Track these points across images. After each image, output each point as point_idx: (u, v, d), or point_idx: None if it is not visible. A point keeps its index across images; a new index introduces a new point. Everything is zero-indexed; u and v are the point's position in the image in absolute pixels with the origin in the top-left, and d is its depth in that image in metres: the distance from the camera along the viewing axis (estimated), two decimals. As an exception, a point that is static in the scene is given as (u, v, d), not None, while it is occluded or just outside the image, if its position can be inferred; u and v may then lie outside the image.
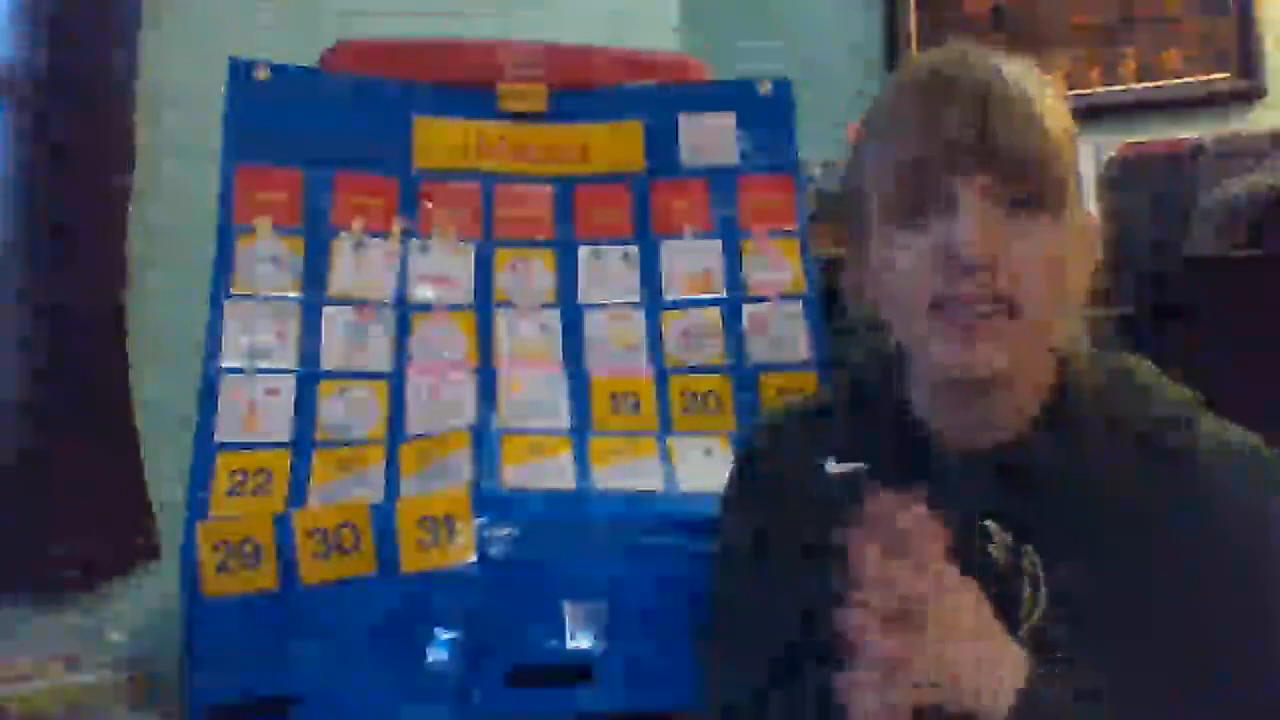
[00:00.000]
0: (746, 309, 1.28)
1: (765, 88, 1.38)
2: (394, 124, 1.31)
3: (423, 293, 1.26)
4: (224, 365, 1.16)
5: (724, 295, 1.29)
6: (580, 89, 1.37)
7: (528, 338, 1.26)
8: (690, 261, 1.31)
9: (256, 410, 1.15)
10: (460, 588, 1.04)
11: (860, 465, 0.88)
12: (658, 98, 1.38)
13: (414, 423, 1.18)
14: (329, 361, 1.20)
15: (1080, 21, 2.18)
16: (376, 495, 1.10)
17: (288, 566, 1.03)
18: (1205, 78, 2.09)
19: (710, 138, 1.36)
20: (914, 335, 0.81)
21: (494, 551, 1.05)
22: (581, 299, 1.29)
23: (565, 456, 1.15)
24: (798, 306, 1.28)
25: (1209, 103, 2.07)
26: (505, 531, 1.06)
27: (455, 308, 1.26)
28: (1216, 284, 1.39)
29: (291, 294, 1.21)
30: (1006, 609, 0.79)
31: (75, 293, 1.61)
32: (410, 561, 1.05)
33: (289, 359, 1.19)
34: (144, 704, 1.46)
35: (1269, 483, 0.79)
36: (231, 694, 1.02)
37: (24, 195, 1.60)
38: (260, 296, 1.20)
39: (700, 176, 1.34)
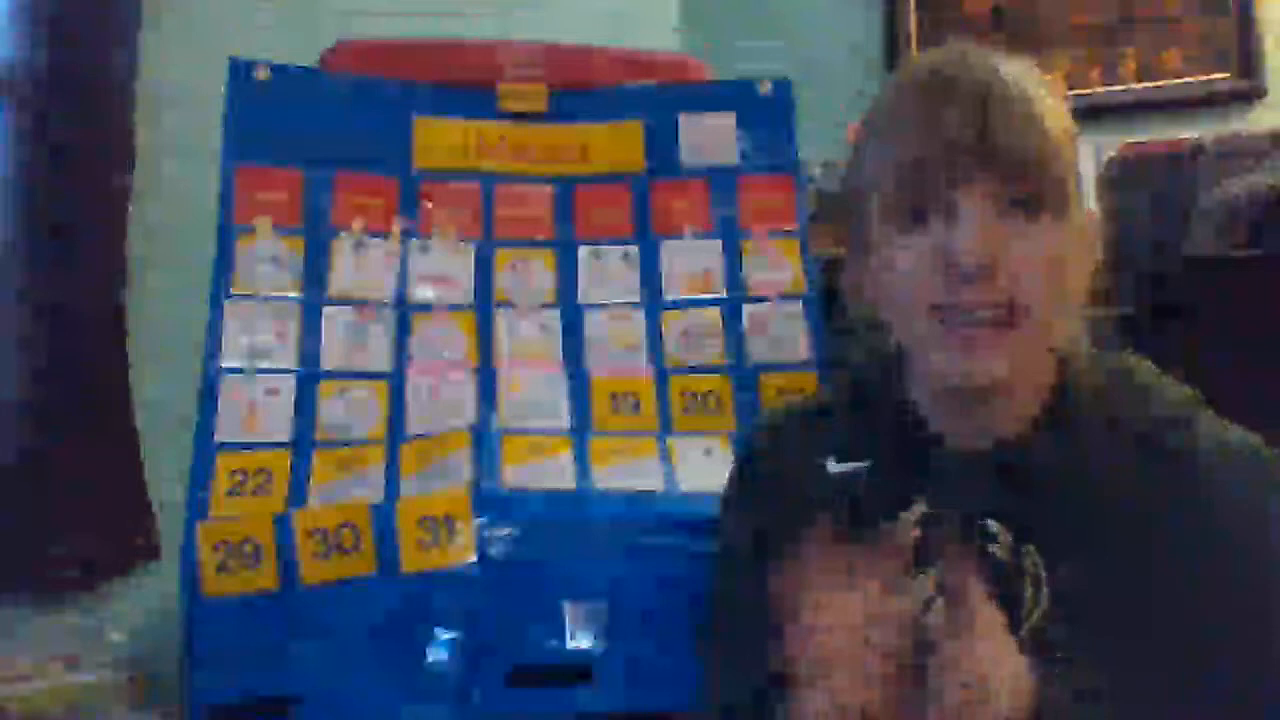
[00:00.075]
0: (746, 309, 1.28)
1: (765, 88, 1.38)
2: (394, 124, 1.31)
3: (423, 293, 1.26)
4: (224, 365, 1.16)
5: (724, 295, 1.29)
6: (580, 89, 1.37)
7: (528, 338, 1.26)
8: (690, 261, 1.31)
9: (256, 410, 1.15)
10: (460, 588, 1.04)
11: (861, 465, 0.88)
12: (658, 98, 1.37)
13: (414, 423, 1.17)
14: (329, 361, 1.20)
15: (1080, 21, 2.18)
16: (376, 495, 1.10)
17: (288, 566, 1.03)
18: (1205, 78, 2.09)
19: (710, 138, 1.36)
20: (914, 338, 0.82)
21: (494, 551, 1.05)
22: (581, 299, 1.29)
23: (565, 456, 1.15)
24: (798, 306, 1.28)
25: (1209, 103, 2.08)
26: (505, 531, 1.06)
27: (455, 308, 1.26)
28: (1216, 284, 1.39)
29: (291, 294, 1.21)
30: (1008, 609, 0.79)
31: (75, 293, 1.61)
32: (410, 561, 1.05)
33: (289, 359, 1.19)
34: (144, 704, 1.46)
35: (1269, 483, 0.79)
36: (231, 694, 1.02)
37: (24, 195, 1.60)
38: (260, 296, 1.20)
39: (700, 176, 1.34)
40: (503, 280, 1.28)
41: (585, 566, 1.06)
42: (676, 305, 1.29)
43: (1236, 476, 0.79)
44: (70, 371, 1.59)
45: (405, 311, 1.24)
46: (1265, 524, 0.77)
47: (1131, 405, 0.83)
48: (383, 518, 1.06)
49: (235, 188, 1.23)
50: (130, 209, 1.65)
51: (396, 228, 1.28)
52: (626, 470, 1.15)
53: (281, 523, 1.04)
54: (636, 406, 1.22)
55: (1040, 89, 0.79)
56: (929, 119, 0.78)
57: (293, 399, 1.17)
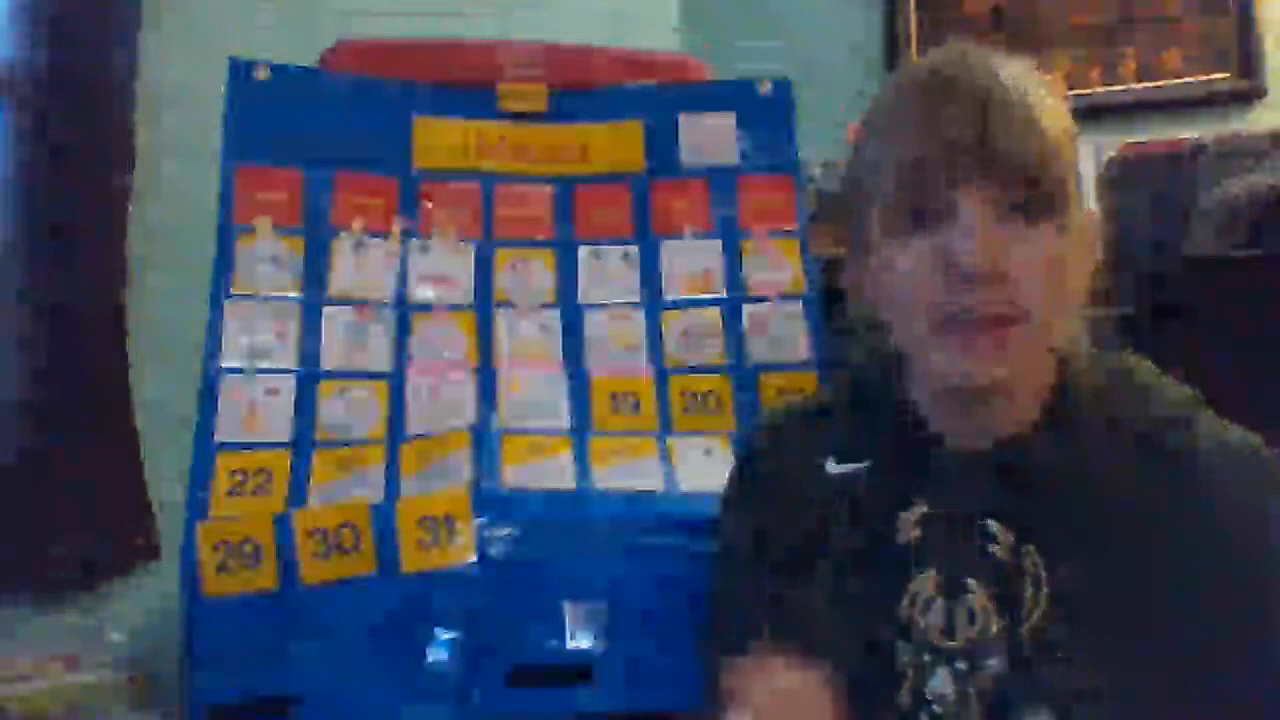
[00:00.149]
0: (746, 309, 1.28)
1: (765, 88, 1.38)
2: (394, 124, 1.31)
3: (423, 293, 1.26)
4: (224, 365, 1.16)
5: (724, 295, 1.29)
6: (580, 89, 1.37)
7: (528, 338, 1.26)
8: (690, 261, 1.31)
9: (256, 410, 1.15)
10: (460, 588, 1.04)
11: (860, 465, 0.88)
12: (658, 98, 1.37)
13: (414, 423, 1.17)
14: (329, 361, 1.20)
15: (1080, 21, 2.18)
16: (376, 495, 1.10)
17: (288, 566, 1.03)
18: (1205, 78, 2.09)
19: (710, 138, 1.36)
20: (914, 340, 0.82)
21: (494, 551, 1.05)
22: (581, 299, 1.29)
23: (565, 456, 1.15)
24: (798, 306, 1.28)
25: (1209, 103, 2.08)
26: (505, 531, 1.06)
27: (455, 308, 1.26)
28: (1216, 284, 1.39)
29: (291, 294, 1.21)
30: (1008, 609, 0.79)
31: (75, 293, 1.61)
32: (410, 561, 1.05)
33: (289, 359, 1.19)
34: (144, 704, 1.46)
35: (1269, 483, 0.79)
36: (231, 694, 1.02)
37: (24, 195, 1.60)
38: (260, 296, 1.20)
39: (700, 176, 1.34)
40: (503, 280, 1.28)
41: (585, 566, 1.06)
42: (676, 305, 1.29)
43: (1236, 476, 0.79)
44: (70, 371, 1.59)
45: (405, 311, 1.24)
46: (1265, 524, 0.77)
47: (1131, 405, 0.83)
48: (383, 518, 1.06)
49: (235, 188, 1.23)
50: (130, 209, 1.65)
51: (396, 228, 1.28)
52: (626, 470, 1.15)
53: (281, 523, 1.04)
54: (636, 406, 1.22)
55: (1040, 90, 0.79)
56: (929, 119, 0.78)
57: (293, 399, 1.17)
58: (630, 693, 1.05)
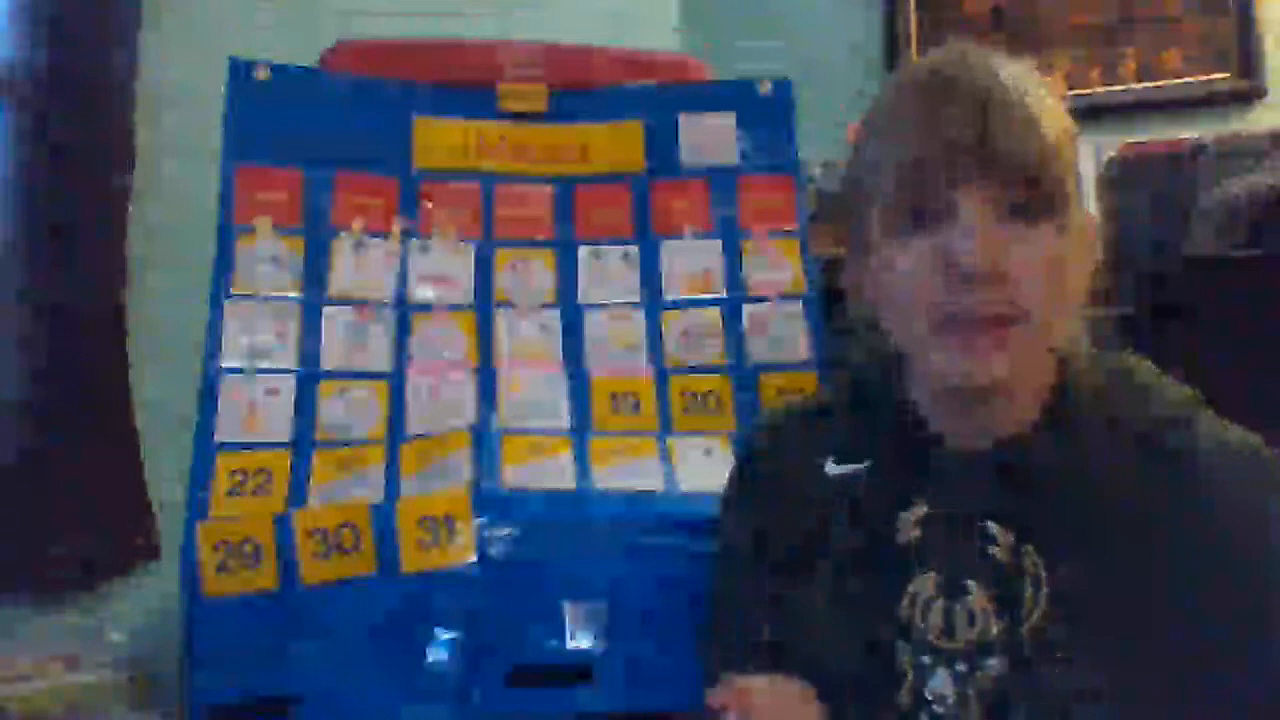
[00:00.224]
0: (746, 309, 1.28)
1: (765, 88, 1.38)
2: (394, 124, 1.31)
3: (423, 293, 1.26)
4: (224, 365, 1.16)
5: (724, 295, 1.29)
6: (580, 89, 1.37)
7: (528, 338, 1.26)
8: (690, 261, 1.31)
9: (256, 410, 1.15)
10: (460, 588, 1.04)
11: (860, 465, 0.88)
12: (658, 98, 1.37)
13: (414, 423, 1.17)
14: (329, 361, 1.20)
15: (1080, 21, 2.18)
16: (376, 495, 1.10)
17: (288, 566, 1.03)
18: (1205, 78, 2.09)
19: (710, 138, 1.35)
20: (914, 340, 0.82)
21: (494, 551, 1.05)
22: (581, 299, 1.29)
23: (565, 456, 1.15)
24: (798, 306, 1.28)
25: (1209, 103, 2.08)
26: (505, 531, 1.06)
27: (455, 308, 1.26)
28: (1216, 284, 1.39)
29: (291, 294, 1.21)
30: (1007, 609, 0.79)
31: (75, 293, 1.61)
32: (410, 561, 1.05)
33: (289, 359, 1.19)
34: (144, 704, 1.46)
35: (1269, 483, 0.79)
36: (231, 694, 1.02)
37: (24, 195, 1.60)
38: (260, 296, 1.20)
39: (700, 176, 1.34)
40: (503, 280, 1.28)
41: (585, 566, 1.06)
42: (676, 305, 1.29)
43: (1236, 476, 0.79)
44: (70, 371, 1.59)
45: (405, 311, 1.24)
46: (1265, 524, 0.77)
47: (1131, 405, 0.83)
48: (383, 518, 1.06)
49: (235, 188, 1.23)
50: (130, 209, 1.65)
51: (396, 228, 1.28)
52: (626, 470, 1.14)
53: (281, 523, 1.04)
54: (636, 406, 1.22)
55: (1040, 91, 0.79)
56: (929, 119, 0.78)
57: (293, 399, 1.17)
58: (630, 693, 1.05)
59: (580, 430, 1.19)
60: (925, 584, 0.82)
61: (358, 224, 1.26)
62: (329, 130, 1.28)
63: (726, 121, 1.36)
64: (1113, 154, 1.60)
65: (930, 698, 0.81)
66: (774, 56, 2.04)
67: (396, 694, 1.02)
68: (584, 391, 1.22)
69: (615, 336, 1.27)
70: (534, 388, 1.22)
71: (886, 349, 0.86)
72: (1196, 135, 1.55)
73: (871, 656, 0.82)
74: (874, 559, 0.84)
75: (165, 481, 1.58)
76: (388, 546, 1.05)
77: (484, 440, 1.14)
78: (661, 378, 1.24)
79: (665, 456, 1.17)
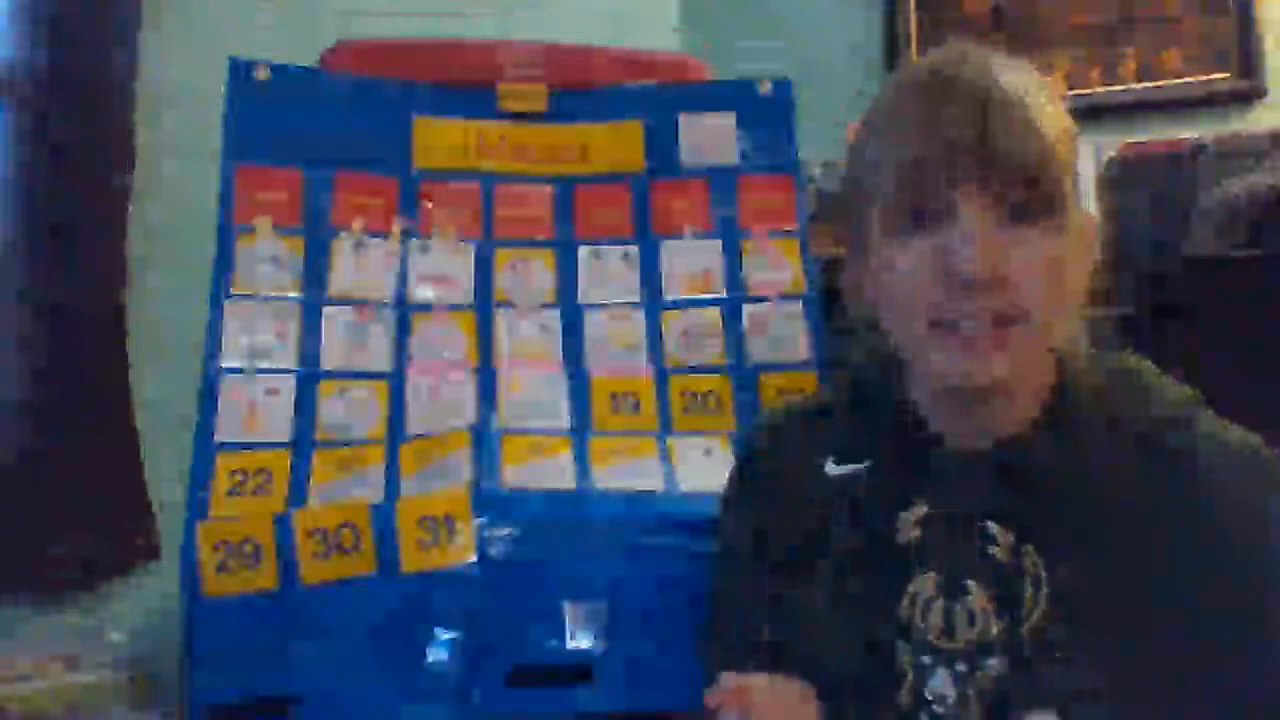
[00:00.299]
0: (746, 309, 1.28)
1: (765, 88, 1.38)
2: (394, 124, 1.31)
3: (423, 293, 1.26)
4: (224, 365, 1.16)
5: (724, 295, 1.29)
6: (580, 89, 1.37)
7: (528, 338, 1.26)
8: (690, 261, 1.31)
9: (256, 410, 1.15)
10: (460, 588, 1.04)
11: (860, 466, 0.88)
12: (658, 98, 1.37)
13: (414, 423, 1.17)
14: (329, 361, 1.20)
15: (1080, 21, 2.18)
16: (376, 495, 1.10)
17: (288, 566, 1.03)
18: (1205, 78, 2.09)
19: (710, 138, 1.36)
20: (914, 340, 0.82)
21: (494, 551, 1.05)
22: (581, 299, 1.29)
23: (565, 456, 1.15)
24: (798, 306, 1.28)
25: (1209, 103, 2.08)
26: (505, 531, 1.06)
27: (455, 308, 1.26)
28: (1216, 284, 1.39)
29: (291, 294, 1.21)
30: (1007, 609, 0.79)
31: (75, 293, 1.61)
32: (410, 561, 1.05)
33: (289, 359, 1.19)
34: (144, 704, 1.46)
35: (1269, 483, 0.79)
36: (231, 694, 1.02)
37: (24, 195, 1.60)
38: (260, 296, 1.20)
39: (700, 176, 1.34)
40: (503, 280, 1.28)
41: (585, 566, 1.06)
42: (676, 305, 1.29)
43: (1236, 476, 0.79)
44: (70, 371, 1.59)
45: (405, 311, 1.24)
46: (1265, 524, 0.77)
47: (1131, 405, 0.83)
48: (383, 518, 1.06)
49: (235, 188, 1.23)
50: (130, 209, 1.65)
51: (396, 228, 1.28)
52: (626, 470, 1.14)
53: (281, 523, 1.04)
54: (636, 406, 1.22)
55: (1039, 92, 0.79)
56: (929, 119, 0.78)
57: (293, 399, 1.17)
58: (630, 693, 1.05)
59: (580, 430, 1.19)
60: (925, 584, 0.82)
61: (358, 224, 1.26)
62: (329, 130, 1.28)
63: (726, 121, 1.36)
64: (1113, 154, 1.60)
65: (930, 698, 0.81)
66: (774, 56, 2.04)
67: (396, 694, 1.02)
68: (584, 391, 1.22)
69: (615, 336, 1.27)
70: (534, 388, 1.22)
71: (886, 349, 0.86)
72: (1196, 135, 1.55)
73: (871, 656, 0.82)
74: (874, 559, 0.84)
75: (165, 481, 1.58)
76: (388, 546, 1.05)
77: (484, 440, 1.14)
78: (661, 378, 1.24)
79: (665, 456, 1.17)
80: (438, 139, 1.32)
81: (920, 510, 0.84)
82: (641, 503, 1.10)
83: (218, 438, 1.13)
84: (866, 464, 0.87)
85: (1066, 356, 0.85)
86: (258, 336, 1.18)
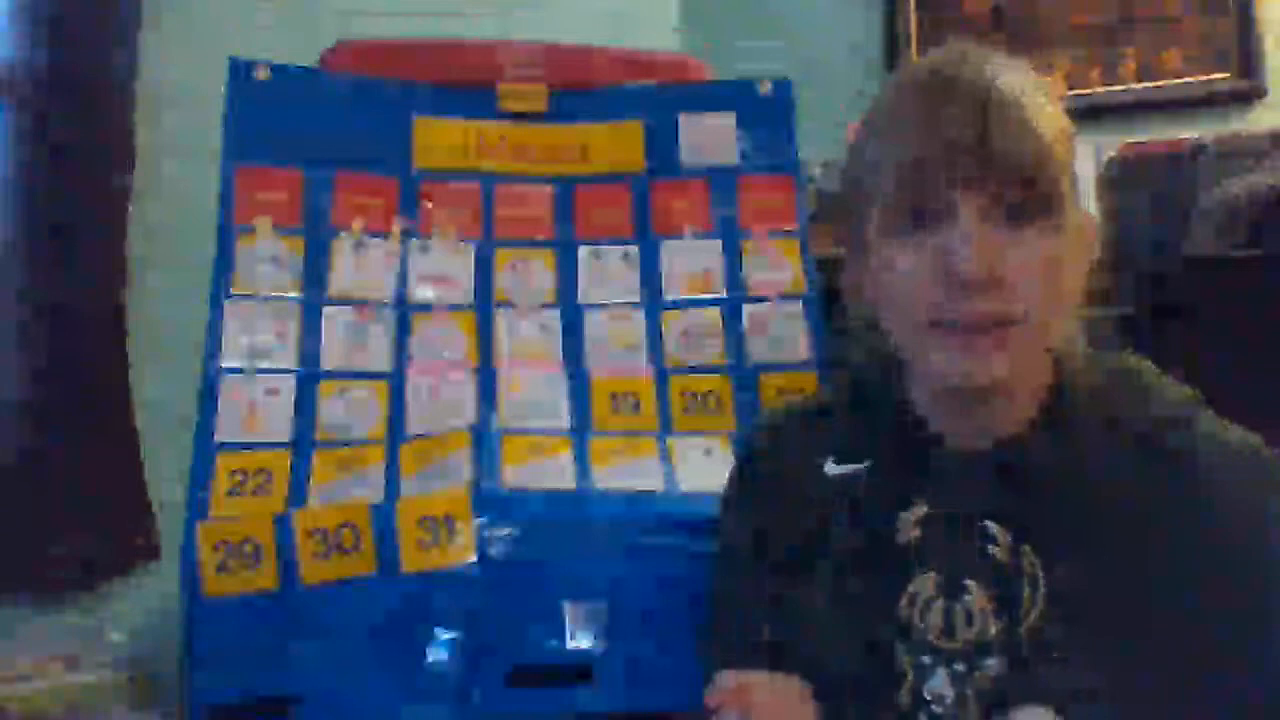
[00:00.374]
0: (746, 309, 1.28)
1: (765, 88, 1.38)
2: (394, 124, 1.31)
3: (423, 293, 1.26)
4: (224, 365, 1.16)
5: (724, 295, 1.29)
6: (580, 89, 1.37)
7: (528, 338, 1.26)
8: (690, 261, 1.31)
9: (256, 410, 1.15)
10: (460, 588, 1.04)
11: (860, 466, 0.88)
12: (658, 98, 1.37)
13: (414, 423, 1.17)
14: (329, 361, 1.20)
15: (1080, 21, 2.18)
16: (376, 495, 1.10)
17: (288, 566, 1.03)
18: (1205, 78, 2.09)
19: (710, 138, 1.36)
20: (913, 340, 0.82)
21: (494, 551, 1.05)
22: (581, 299, 1.29)
23: (565, 456, 1.15)
24: (798, 306, 1.28)
25: (1209, 103, 2.08)
26: (505, 531, 1.06)
27: (455, 308, 1.26)
28: (1216, 284, 1.39)
29: (291, 294, 1.21)
30: (1006, 609, 0.79)
31: (75, 293, 1.61)
32: (410, 561, 1.05)
33: (289, 359, 1.19)
34: (144, 704, 1.46)
35: (1269, 483, 0.79)
36: (231, 694, 1.02)
37: (24, 195, 1.60)
38: (260, 296, 1.20)
39: (700, 176, 1.34)
40: (503, 280, 1.28)
41: (585, 566, 1.06)
42: (676, 305, 1.29)
43: (1236, 476, 0.79)
44: (70, 371, 1.59)
45: (405, 311, 1.25)
46: (1265, 524, 0.77)
47: (1131, 405, 0.83)
48: (383, 518, 1.06)
49: (235, 188, 1.23)
50: (130, 209, 1.65)
51: (396, 228, 1.28)
52: (626, 470, 1.14)
53: (281, 523, 1.04)
54: (636, 406, 1.22)
55: (1038, 92, 0.79)
56: (929, 119, 0.78)
57: (293, 399, 1.17)
58: (630, 693, 1.05)
59: (580, 430, 1.19)
60: (925, 584, 0.82)
61: (358, 224, 1.26)
62: (329, 130, 1.28)
63: (726, 121, 1.36)
64: (1113, 154, 1.60)
65: (929, 697, 0.81)
66: (774, 56, 2.04)
67: (396, 694, 1.02)
68: (584, 391, 1.22)
69: (615, 336, 1.27)
70: (534, 388, 1.22)
71: (886, 349, 0.86)
72: (1196, 135, 1.55)
73: (871, 656, 0.82)
74: (874, 559, 0.84)
75: (165, 481, 1.58)
76: (388, 546, 1.05)
77: (484, 440, 1.14)
78: (661, 378, 1.24)
79: (665, 456, 1.17)
80: (438, 139, 1.32)
81: (920, 510, 0.84)
82: (641, 503, 1.10)
83: (218, 438, 1.13)
84: (866, 464, 0.88)
85: (1064, 356, 0.85)
86: (258, 336, 1.18)
